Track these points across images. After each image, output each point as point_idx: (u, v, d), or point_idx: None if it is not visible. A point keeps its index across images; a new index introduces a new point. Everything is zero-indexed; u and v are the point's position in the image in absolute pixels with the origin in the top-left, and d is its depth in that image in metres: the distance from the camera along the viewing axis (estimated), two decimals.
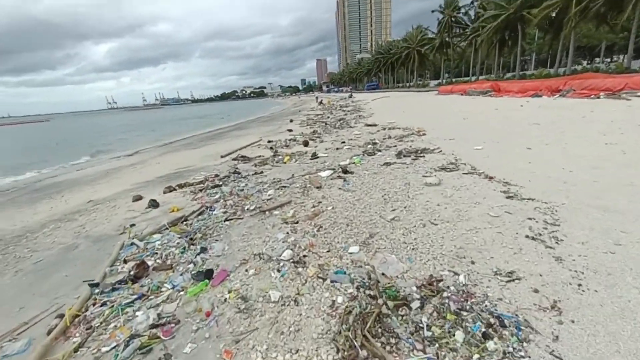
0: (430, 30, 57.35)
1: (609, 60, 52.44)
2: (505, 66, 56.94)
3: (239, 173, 7.43)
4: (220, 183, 6.70)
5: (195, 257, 3.50)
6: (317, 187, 5.67)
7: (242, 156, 9.41)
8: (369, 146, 8.95)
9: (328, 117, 20.92)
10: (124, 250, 3.92)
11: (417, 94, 36.42)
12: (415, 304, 2.30)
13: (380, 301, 2.34)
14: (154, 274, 3.29)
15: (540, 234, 3.06)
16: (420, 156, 7.11)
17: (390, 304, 2.33)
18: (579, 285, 2.31)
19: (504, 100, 16.59)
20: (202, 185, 6.73)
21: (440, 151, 7.30)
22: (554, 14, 35.00)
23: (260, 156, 9.51)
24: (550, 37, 39.91)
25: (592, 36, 46.32)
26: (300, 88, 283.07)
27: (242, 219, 4.57)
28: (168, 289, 2.94)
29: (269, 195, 5.53)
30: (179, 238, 4.05)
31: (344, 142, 10.20)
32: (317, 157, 8.41)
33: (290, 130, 15.53)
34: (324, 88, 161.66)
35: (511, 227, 3.29)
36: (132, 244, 4.01)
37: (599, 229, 3.03)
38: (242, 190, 6.05)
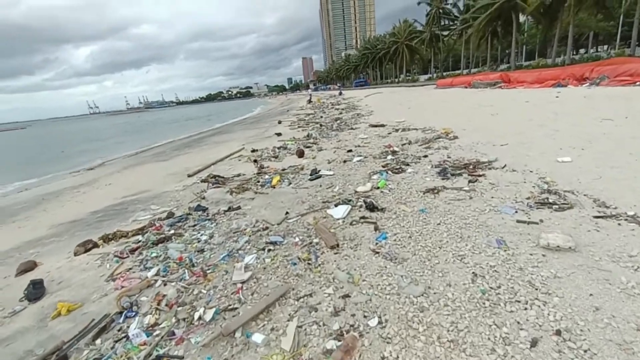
0: (419, 23, 55.39)
1: (593, 50, 51.53)
2: (493, 58, 55.24)
3: (204, 209, 4.88)
4: (171, 232, 4.15)
5: None
6: (332, 247, 3.20)
7: (214, 176, 6.84)
8: (389, 157, 6.52)
9: (321, 117, 18.44)
10: None
11: (412, 89, 34.26)
12: None
13: None
14: None
15: None
16: (477, 175, 4.72)
17: None
18: None
19: (525, 92, 14.43)
20: (140, 237, 4.16)
21: (504, 166, 4.91)
22: (548, 1, 33.52)
23: (239, 175, 6.96)
24: (544, 26, 38.46)
25: (583, 25, 45.26)
26: (287, 87, 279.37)
27: (181, 359, 2.06)
28: None
29: (246, 267, 3.03)
30: None
31: (350, 151, 7.75)
32: (320, 176, 5.94)
33: (279, 135, 13.00)
34: (311, 86, 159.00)
35: None
36: None
37: None
38: (201, 251, 3.53)
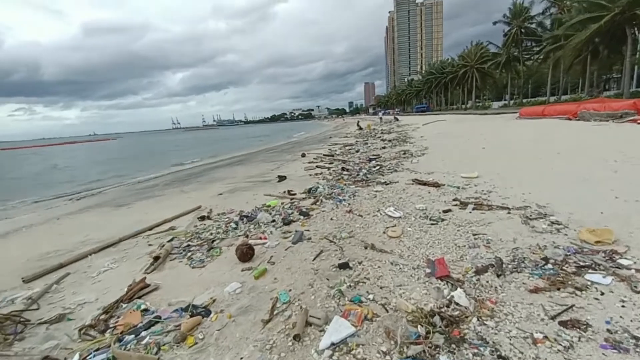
0: (495, 44, 48.19)
1: None
2: (589, 83, 44.59)
3: None
4: None
5: None
6: None
7: (17, 315, 2.98)
8: None
9: (357, 151, 14.18)
10: None
11: (484, 118, 28.01)
12: None
13: None
14: None
15: None
16: None
17: None
18: None
19: None
20: None
21: None
22: None
23: (80, 306, 3.01)
24: None
25: None
26: (347, 110, 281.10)
27: None
28: None
29: None
30: None
31: (347, 265, 3.32)
32: None
33: (281, 179, 9.11)
34: (370, 110, 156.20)
35: None
36: None
37: None
38: None
